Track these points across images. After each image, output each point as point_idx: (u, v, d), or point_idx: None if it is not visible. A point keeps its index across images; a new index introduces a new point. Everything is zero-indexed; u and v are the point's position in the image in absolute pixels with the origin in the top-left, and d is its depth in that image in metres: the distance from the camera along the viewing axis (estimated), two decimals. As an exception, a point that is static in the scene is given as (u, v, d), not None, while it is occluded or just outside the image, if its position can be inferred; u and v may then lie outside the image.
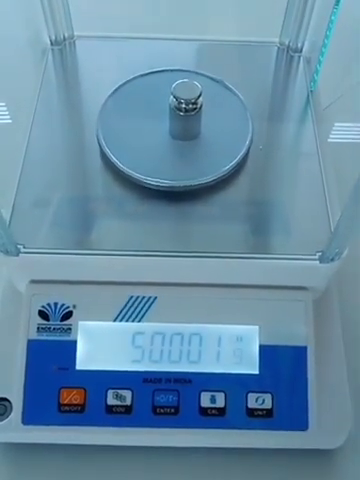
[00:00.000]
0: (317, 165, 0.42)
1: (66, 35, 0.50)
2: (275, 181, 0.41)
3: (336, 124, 0.47)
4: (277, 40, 0.50)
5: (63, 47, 0.50)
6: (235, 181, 0.41)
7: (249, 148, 0.42)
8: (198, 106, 0.40)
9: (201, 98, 0.40)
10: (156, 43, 0.51)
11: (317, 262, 0.37)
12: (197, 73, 0.46)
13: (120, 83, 0.46)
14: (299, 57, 0.50)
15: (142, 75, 0.46)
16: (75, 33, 0.51)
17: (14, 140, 0.43)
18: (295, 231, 0.39)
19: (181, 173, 0.40)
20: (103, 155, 0.42)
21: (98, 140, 0.42)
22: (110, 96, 0.45)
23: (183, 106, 0.40)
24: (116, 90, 0.45)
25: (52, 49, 0.50)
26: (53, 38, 0.50)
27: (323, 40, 0.47)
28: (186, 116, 0.40)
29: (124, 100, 0.45)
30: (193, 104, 0.40)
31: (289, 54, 0.50)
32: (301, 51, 0.50)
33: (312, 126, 0.44)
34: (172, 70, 0.46)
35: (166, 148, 0.42)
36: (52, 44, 0.50)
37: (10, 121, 0.44)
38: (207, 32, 0.52)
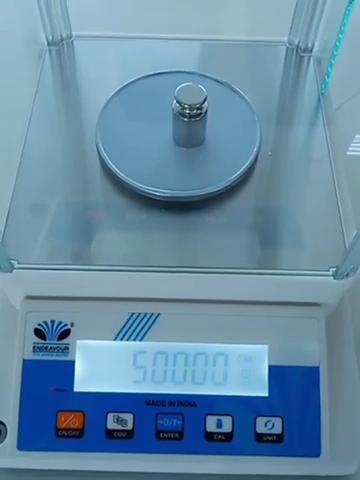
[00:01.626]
0: (329, 173, 0.40)
1: (64, 35, 0.48)
2: (285, 190, 0.39)
3: (358, 136, 0.44)
4: (286, 39, 0.48)
5: (61, 47, 0.48)
6: (243, 190, 0.39)
7: (257, 155, 0.40)
8: (203, 111, 0.38)
9: (206, 103, 0.38)
10: (158, 43, 0.48)
11: (331, 278, 0.35)
12: (201, 75, 0.43)
13: (120, 86, 0.43)
14: (309, 57, 0.47)
15: (144, 77, 0.44)
16: (73, 33, 0.48)
17: (9, 147, 0.41)
18: (307, 244, 0.37)
19: (185, 182, 0.38)
20: (103, 163, 0.40)
21: (97, 147, 0.40)
22: (110, 100, 0.42)
23: (187, 111, 0.37)
24: (116, 93, 0.43)
25: (49, 49, 0.47)
26: (50, 38, 0.47)
27: (335, 41, 0.45)
28: (190, 122, 0.38)
29: (125, 104, 0.43)
30: (198, 109, 0.37)
31: (299, 54, 0.47)
32: (311, 51, 0.48)
33: (323, 130, 0.42)
34: (175, 72, 0.44)
35: (169, 155, 0.40)
36: (49, 44, 0.48)
37: (4, 126, 0.42)
38: (212, 31, 0.49)
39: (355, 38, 0.43)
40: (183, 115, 0.37)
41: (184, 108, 0.37)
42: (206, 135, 0.40)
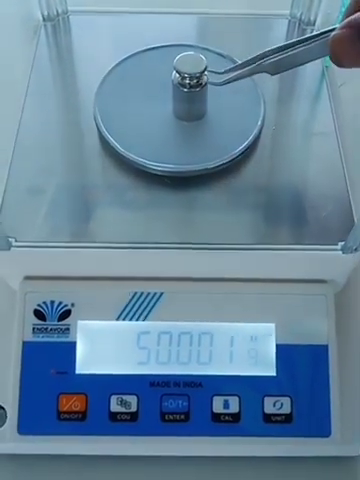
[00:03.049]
0: (336, 146, 0.38)
1: (59, 10, 0.46)
2: (290, 164, 0.38)
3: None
4: (288, 12, 0.47)
5: (56, 23, 0.46)
6: (247, 165, 0.38)
7: (261, 129, 0.39)
8: (204, 81, 0.36)
9: (207, 72, 0.36)
10: (157, 18, 0.47)
11: (339, 252, 0.34)
12: (202, 48, 0.42)
13: (119, 60, 0.42)
14: (312, 31, 0.46)
15: (142, 51, 0.43)
16: (69, 8, 0.47)
17: (4, 124, 0.40)
18: (314, 219, 0.35)
19: (187, 157, 0.37)
20: (102, 139, 0.38)
21: (96, 122, 0.39)
22: (108, 74, 0.41)
23: (187, 81, 0.36)
24: (114, 68, 0.42)
25: (45, 25, 0.46)
26: (45, 13, 0.46)
27: (338, 13, 0.43)
28: (191, 93, 0.37)
29: (123, 79, 0.41)
30: (198, 79, 0.36)
31: (301, 28, 0.46)
32: (314, 24, 0.46)
33: (328, 104, 0.41)
34: (175, 45, 0.42)
35: (170, 130, 0.39)
36: (44, 20, 0.46)
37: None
38: (213, 5, 0.48)
39: None
40: (183, 85, 0.36)
41: (184, 78, 0.36)
42: (208, 109, 0.39)
